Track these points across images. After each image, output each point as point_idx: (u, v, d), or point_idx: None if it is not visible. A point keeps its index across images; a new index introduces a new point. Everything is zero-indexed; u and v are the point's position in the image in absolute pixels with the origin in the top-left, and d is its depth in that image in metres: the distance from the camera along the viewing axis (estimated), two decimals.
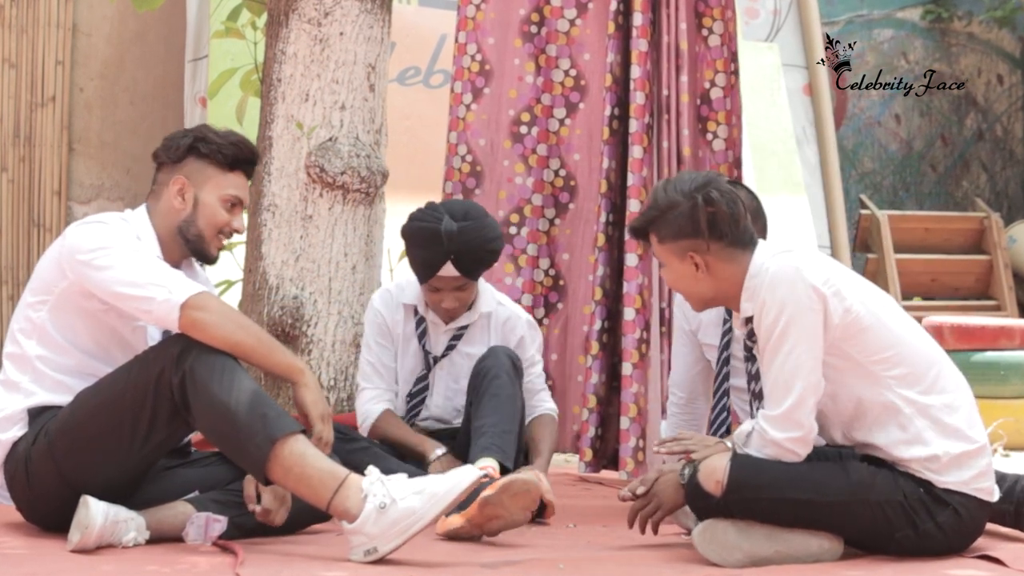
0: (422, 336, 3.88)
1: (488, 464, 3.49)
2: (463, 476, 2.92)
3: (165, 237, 3.28)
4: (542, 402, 4.00)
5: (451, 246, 3.71)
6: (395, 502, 2.87)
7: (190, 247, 3.30)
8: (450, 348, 3.89)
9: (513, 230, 4.73)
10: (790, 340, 2.95)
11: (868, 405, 3.02)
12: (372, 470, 2.96)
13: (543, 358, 4.52)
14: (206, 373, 2.97)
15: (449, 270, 3.74)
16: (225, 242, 3.35)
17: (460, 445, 3.77)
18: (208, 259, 3.33)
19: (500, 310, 3.93)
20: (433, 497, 2.88)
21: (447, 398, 3.90)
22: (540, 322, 4.77)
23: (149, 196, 3.35)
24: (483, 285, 3.94)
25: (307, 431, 3.05)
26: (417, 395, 3.89)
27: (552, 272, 4.79)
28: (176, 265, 3.28)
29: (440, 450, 3.72)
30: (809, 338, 2.96)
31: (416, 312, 3.91)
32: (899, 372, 3.00)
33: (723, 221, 3.06)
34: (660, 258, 3.16)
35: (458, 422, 3.91)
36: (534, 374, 3.99)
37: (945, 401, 3.01)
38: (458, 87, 4.76)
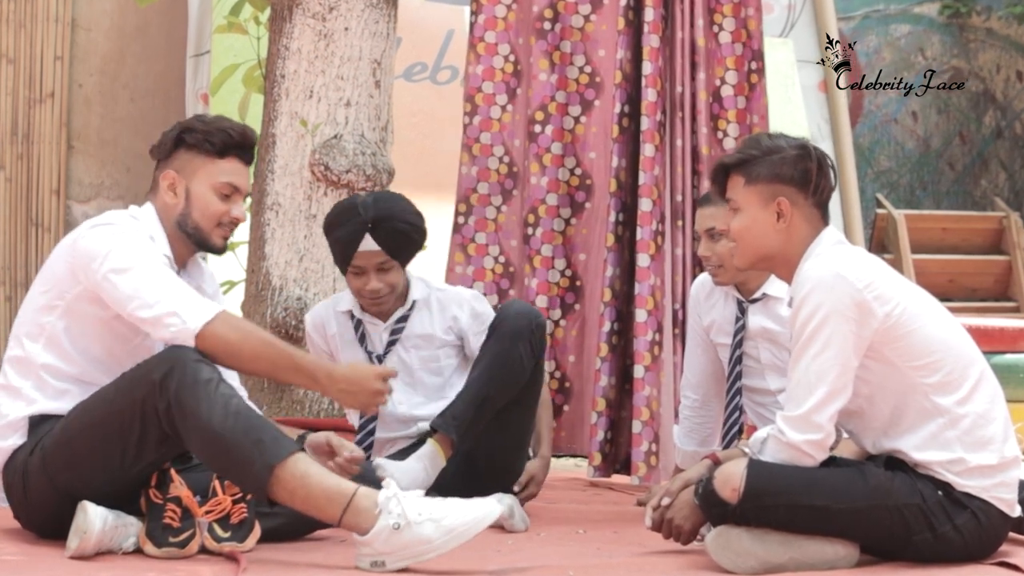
0: (362, 339, 3.78)
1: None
2: (486, 512, 2.86)
3: (171, 235, 3.24)
4: None
5: (367, 214, 3.67)
6: (410, 525, 2.82)
7: (192, 241, 3.25)
8: (392, 343, 3.80)
9: (529, 231, 4.74)
10: (819, 342, 2.93)
11: (904, 410, 3.00)
12: (390, 483, 2.91)
13: (561, 360, 4.44)
14: (192, 402, 2.92)
15: (369, 244, 3.67)
16: (230, 233, 3.29)
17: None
18: (214, 250, 3.27)
19: (437, 294, 3.85)
20: (450, 532, 2.82)
21: (405, 390, 3.80)
22: (557, 323, 4.77)
23: (149, 194, 3.30)
24: (412, 275, 3.86)
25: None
26: None
27: (568, 273, 4.80)
28: (184, 264, 3.26)
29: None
30: (839, 344, 2.94)
31: (353, 317, 3.82)
32: (936, 379, 2.98)
33: (822, 179, 3.09)
34: (739, 201, 3.13)
35: (425, 413, 3.78)
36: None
37: (980, 411, 2.99)
38: (488, 87, 4.77)
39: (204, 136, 3.21)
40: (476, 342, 3.77)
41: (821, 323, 2.93)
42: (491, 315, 3.79)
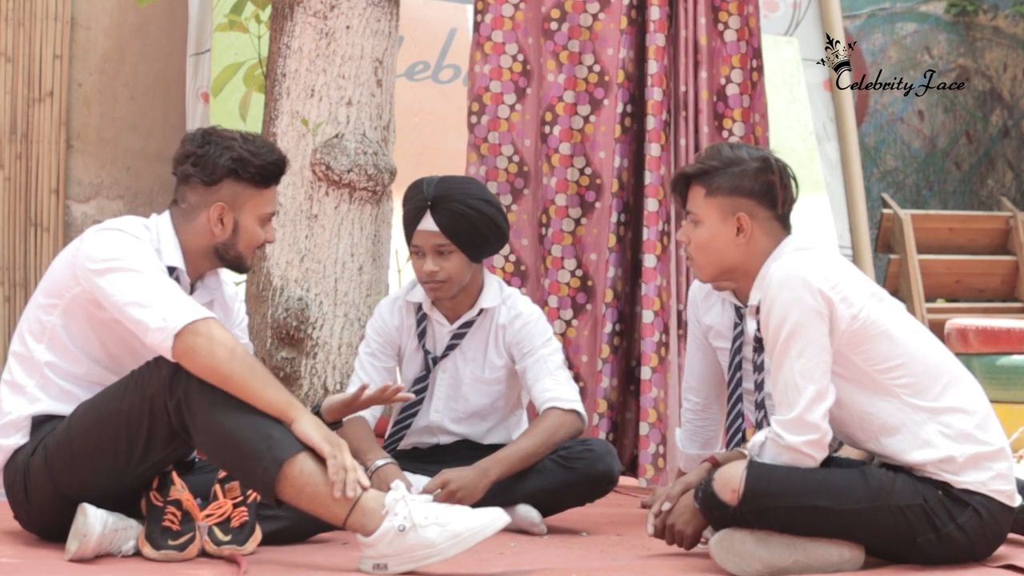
0: (422, 335, 3.73)
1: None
2: (493, 520, 2.87)
3: (193, 252, 3.24)
4: (546, 391, 3.68)
5: (429, 191, 3.66)
6: (415, 527, 2.83)
7: (225, 263, 3.27)
8: (451, 348, 3.76)
9: (543, 231, 4.75)
10: (798, 344, 2.94)
11: (874, 413, 3.00)
12: (398, 485, 2.92)
13: (574, 360, 4.40)
14: (202, 398, 2.92)
15: (427, 223, 3.64)
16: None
17: (457, 459, 3.65)
18: (243, 271, 3.31)
19: (503, 309, 3.77)
20: (455, 537, 2.83)
21: (447, 400, 3.78)
22: (568, 323, 4.77)
23: (173, 208, 3.28)
24: (490, 279, 3.80)
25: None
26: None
27: (579, 273, 4.80)
28: (200, 276, 3.27)
29: (381, 460, 3.55)
30: (818, 341, 2.94)
31: (420, 309, 3.77)
32: (907, 381, 2.99)
33: (783, 191, 3.10)
34: (699, 213, 3.13)
35: (458, 430, 3.78)
36: (540, 356, 3.73)
37: (956, 406, 2.99)
38: (496, 87, 4.77)
39: (258, 171, 3.20)
40: (520, 361, 3.72)
41: (796, 325, 2.93)
42: (542, 336, 3.72)
